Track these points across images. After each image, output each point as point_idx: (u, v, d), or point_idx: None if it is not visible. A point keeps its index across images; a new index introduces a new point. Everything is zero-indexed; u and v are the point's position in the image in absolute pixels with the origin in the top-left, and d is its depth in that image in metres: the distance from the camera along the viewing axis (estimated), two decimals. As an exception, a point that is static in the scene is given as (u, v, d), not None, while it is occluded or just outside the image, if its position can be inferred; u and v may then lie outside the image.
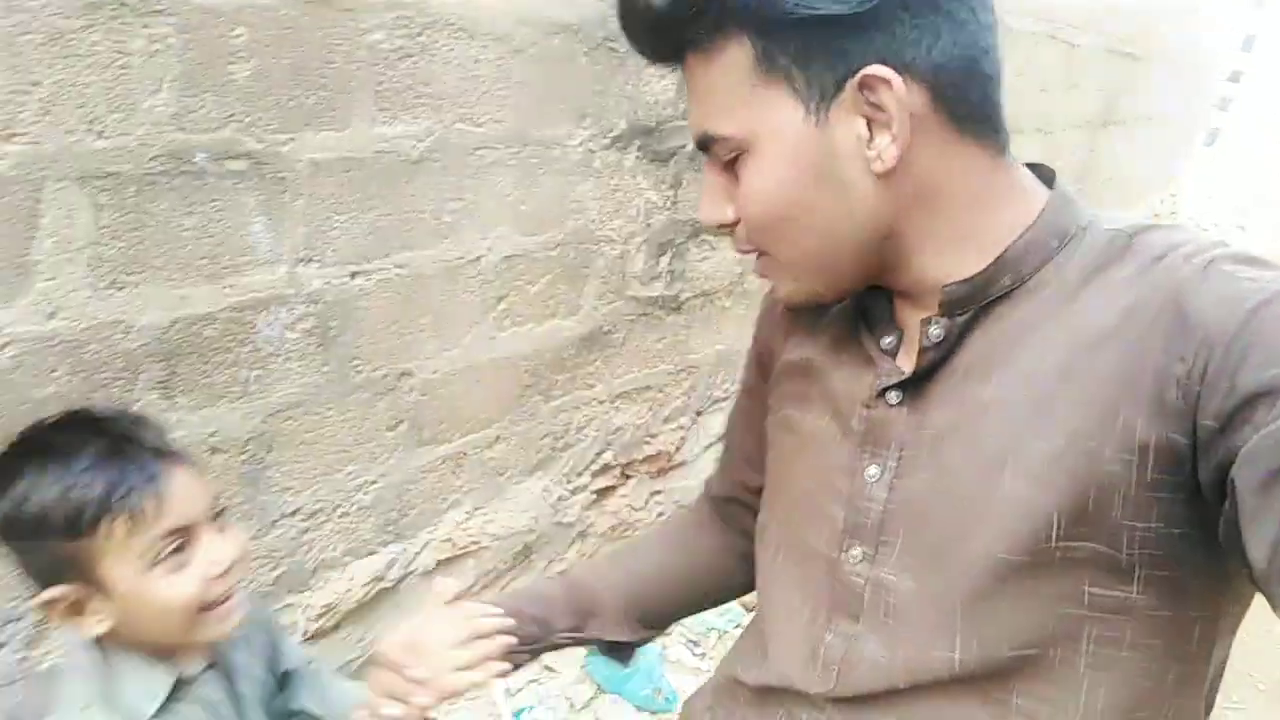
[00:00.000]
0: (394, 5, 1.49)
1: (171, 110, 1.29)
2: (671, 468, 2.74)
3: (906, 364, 0.76)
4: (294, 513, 1.73)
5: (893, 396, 0.76)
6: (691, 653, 2.57)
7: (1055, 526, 0.66)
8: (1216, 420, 0.59)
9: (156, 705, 0.90)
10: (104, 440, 0.87)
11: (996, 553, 0.69)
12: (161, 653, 0.92)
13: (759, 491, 0.95)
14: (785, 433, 0.89)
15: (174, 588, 0.87)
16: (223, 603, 0.91)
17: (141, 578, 0.86)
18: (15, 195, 1.18)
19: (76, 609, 0.87)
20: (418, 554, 2.02)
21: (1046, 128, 4.40)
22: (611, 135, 2.00)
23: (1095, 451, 0.65)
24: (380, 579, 1.93)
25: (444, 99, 1.63)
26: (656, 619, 1.02)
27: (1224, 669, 0.76)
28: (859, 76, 0.65)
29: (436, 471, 1.99)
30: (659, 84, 2.05)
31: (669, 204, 2.24)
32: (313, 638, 1.85)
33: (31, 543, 0.86)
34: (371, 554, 1.92)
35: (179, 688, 0.93)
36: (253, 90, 1.36)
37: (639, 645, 1.02)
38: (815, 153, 0.69)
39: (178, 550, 0.88)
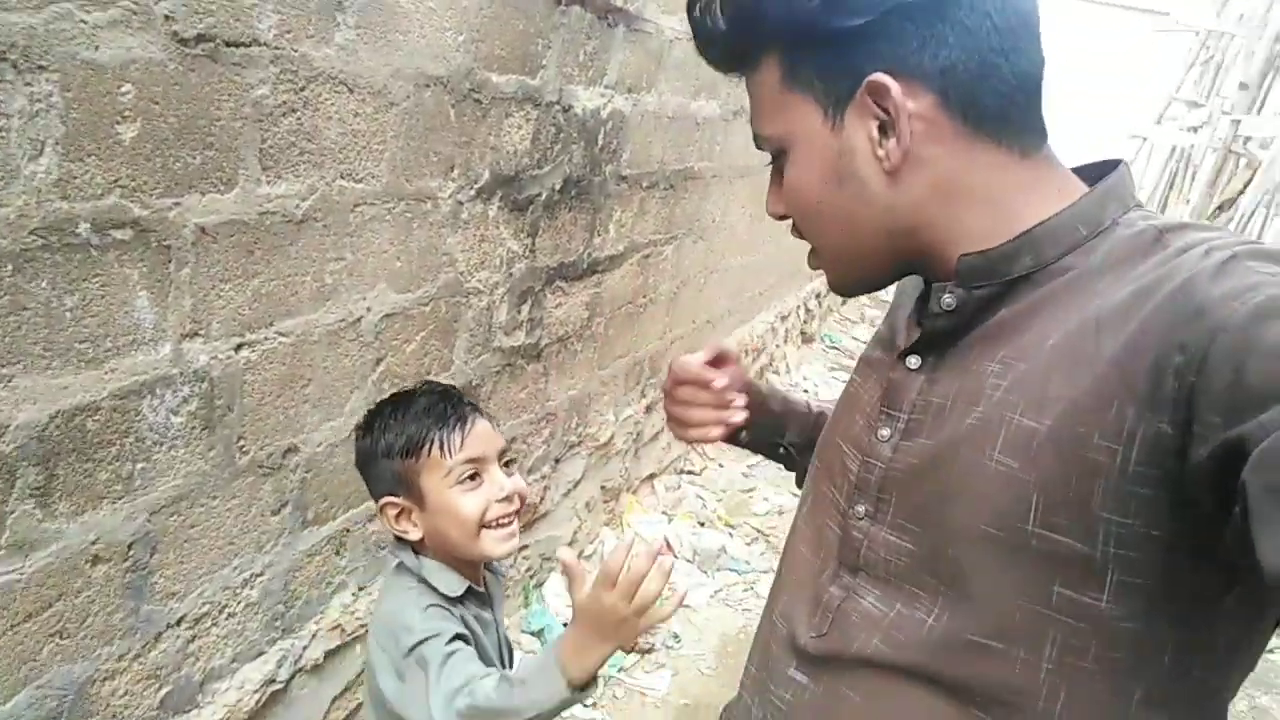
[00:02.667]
0: (278, 59, 1.40)
1: (54, 177, 1.13)
2: (537, 519, 2.69)
3: (925, 330, 0.79)
4: (179, 621, 1.54)
5: (912, 361, 0.80)
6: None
7: (1034, 507, 0.66)
8: (1219, 414, 0.57)
9: (460, 592, 1.20)
10: (434, 395, 1.24)
11: (978, 523, 0.70)
12: (455, 566, 1.22)
13: None
14: (841, 399, 0.93)
15: (467, 501, 1.17)
16: (502, 525, 1.20)
17: (446, 491, 1.17)
18: (-125, 283, 1.00)
19: (404, 516, 1.21)
20: (305, 648, 1.85)
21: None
22: (477, 186, 1.97)
23: (1083, 437, 0.64)
24: (272, 681, 1.75)
25: (325, 155, 1.54)
26: None
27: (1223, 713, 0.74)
28: (866, 84, 0.71)
29: (321, 554, 1.84)
30: (517, 134, 2.05)
31: (528, 252, 2.23)
32: (200, 760, 1.64)
33: (381, 464, 1.21)
34: (260, 655, 1.74)
35: (467, 594, 1.22)
36: (139, 152, 1.23)
37: None
38: (834, 152, 0.75)
39: (473, 476, 1.19)
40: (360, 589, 1.99)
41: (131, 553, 1.41)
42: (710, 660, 2.77)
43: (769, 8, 0.74)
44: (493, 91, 1.93)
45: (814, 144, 0.76)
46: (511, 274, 2.19)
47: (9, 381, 1.16)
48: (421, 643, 1.13)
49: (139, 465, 1.37)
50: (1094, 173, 0.78)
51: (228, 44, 1.30)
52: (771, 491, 3.82)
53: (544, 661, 1.09)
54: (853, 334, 6.74)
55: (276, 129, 1.44)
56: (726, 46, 0.80)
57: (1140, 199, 0.77)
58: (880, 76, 0.70)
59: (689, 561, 3.21)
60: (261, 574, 1.69)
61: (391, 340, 1.86)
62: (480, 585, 1.29)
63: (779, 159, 0.81)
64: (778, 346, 5.03)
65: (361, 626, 1.97)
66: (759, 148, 0.83)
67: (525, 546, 2.70)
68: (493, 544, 1.20)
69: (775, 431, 1.13)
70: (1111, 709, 0.69)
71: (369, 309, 1.76)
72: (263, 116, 1.40)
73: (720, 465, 4.02)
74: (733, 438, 1.12)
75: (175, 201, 1.30)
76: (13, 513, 1.21)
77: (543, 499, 2.69)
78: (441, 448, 1.18)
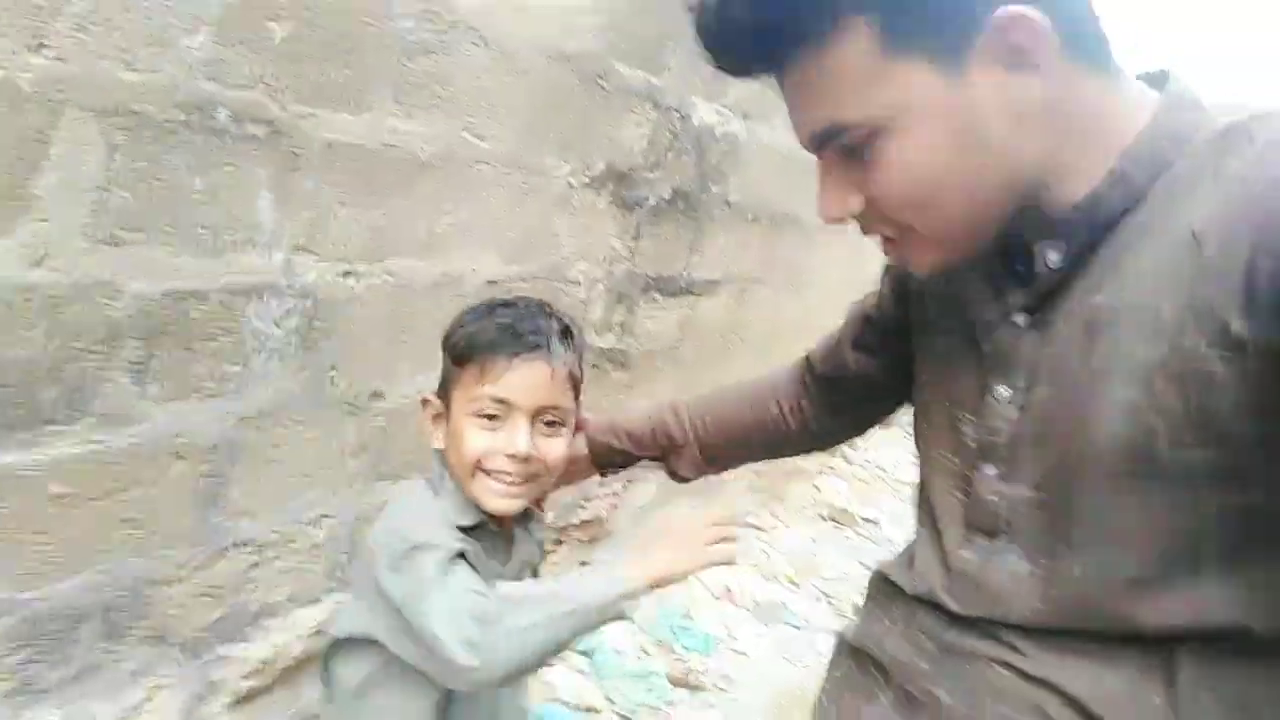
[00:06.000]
0: (425, -5, 1.45)
1: (204, 56, 1.18)
2: (604, 535, 2.63)
3: (1033, 289, 0.76)
4: (245, 543, 1.53)
5: (1020, 319, 0.76)
6: (625, 733, 2.41)
7: (1163, 433, 0.65)
8: None
9: (469, 522, 1.04)
10: (526, 312, 1.06)
11: (1110, 462, 0.68)
12: (470, 497, 1.05)
13: (857, 376, 1.05)
14: (927, 359, 0.90)
15: (469, 437, 1.02)
16: (500, 480, 1.02)
17: (461, 416, 1.03)
18: (30, 115, 1.04)
19: (437, 420, 1.08)
20: (359, 606, 1.82)
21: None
22: (590, 174, 1.99)
23: (1195, 351, 0.63)
24: (321, 632, 1.72)
25: (456, 104, 1.58)
26: (723, 463, 1.19)
27: None
28: (995, 21, 0.63)
29: (389, 512, 1.82)
30: (635, 130, 2.08)
31: (630, 254, 2.23)
32: (243, 699, 1.61)
33: (443, 355, 1.08)
34: (315, 601, 1.71)
35: (479, 531, 1.05)
36: (286, 54, 1.27)
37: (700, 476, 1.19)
38: (959, 116, 0.66)
39: (494, 416, 1.02)
40: (421, 560, 1.95)
41: (212, 457, 1.41)
42: (760, 714, 2.63)
43: None
44: (618, 82, 1.96)
45: (930, 113, 0.66)
46: (611, 272, 2.19)
47: (132, 247, 1.19)
48: (418, 548, 0.98)
49: (235, 368, 1.39)
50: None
51: (384, -33, 1.36)
52: (839, 557, 3.68)
53: (594, 567, 1.08)
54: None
55: (414, 65, 1.48)
56: (785, 29, 0.67)
57: None
58: (1017, 8, 0.62)
59: (748, 611, 3.09)
60: (330, 515, 1.67)
61: (488, 309, 1.86)
62: (496, 526, 1.09)
63: (858, 146, 0.70)
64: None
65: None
66: (823, 144, 0.71)
67: (586, 563, 2.64)
68: (483, 490, 1.04)
69: (631, 460, 1.19)
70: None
71: (474, 270, 1.77)
72: (402, 50, 1.45)
73: (787, 526, 3.90)
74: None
75: (311, 112, 1.34)
76: (110, 382, 1.23)
77: (610, 517, 2.63)
78: (481, 371, 1.01)
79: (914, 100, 0.66)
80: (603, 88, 1.93)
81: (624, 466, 1.19)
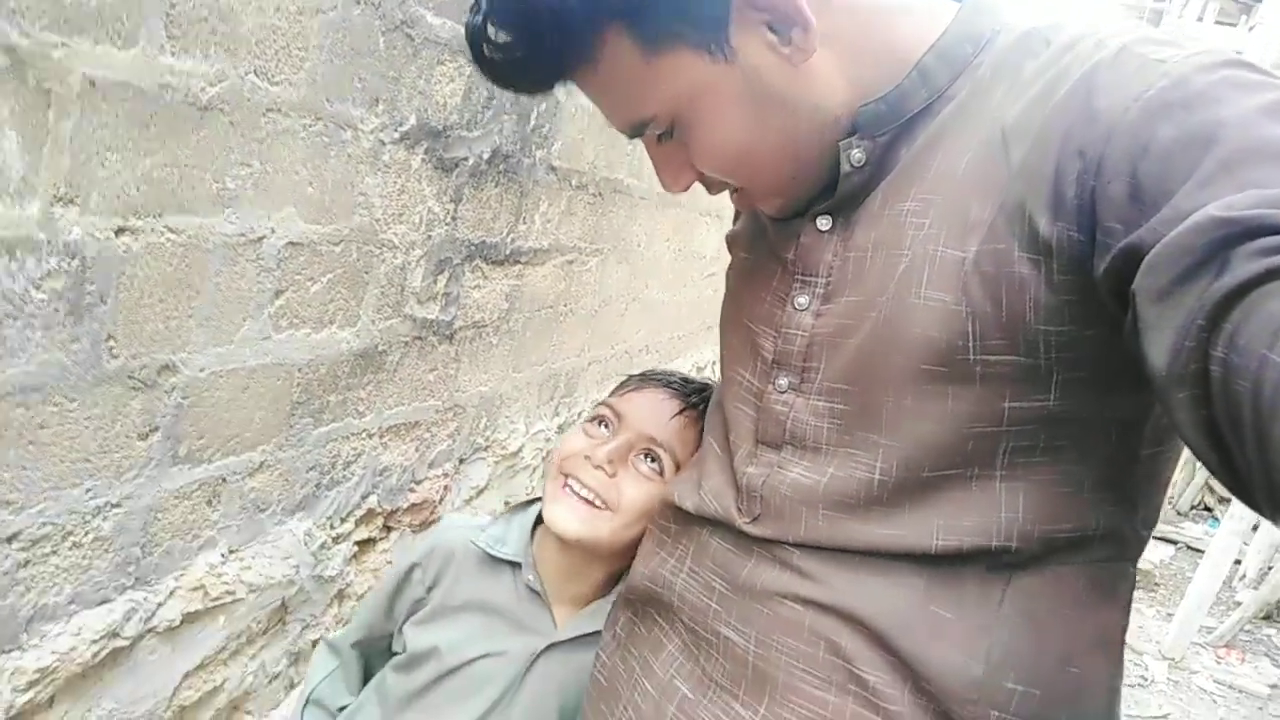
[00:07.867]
0: (198, -83, 1.31)
1: (-81, -37, 1.01)
2: (433, 520, 2.52)
3: (838, 191, 0.77)
4: (12, 537, 1.34)
5: (822, 223, 0.76)
6: None
7: (972, 336, 0.65)
8: (1120, 221, 0.56)
9: (502, 554, 1.06)
10: (694, 382, 1.07)
11: (917, 364, 0.68)
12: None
13: None
14: (731, 283, 0.90)
15: (569, 435, 1.04)
16: (570, 486, 0.99)
17: (585, 419, 1.07)
18: None
19: None
20: (160, 605, 1.65)
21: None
22: (401, 130, 1.88)
23: (1005, 253, 0.64)
24: (115, 634, 1.55)
25: (239, 43, 1.44)
26: None
27: (1159, 499, 0.75)
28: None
29: (191, 499, 1.66)
30: (448, 86, 1.98)
31: (449, 218, 2.13)
32: (17, 716, 1.42)
33: None
34: (105, 602, 1.54)
35: (516, 574, 1.06)
36: (25, -33, 1.11)
37: None
38: (740, 85, 0.69)
39: (604, 423, 1.04)
40: (231, 551, 1.80)
41: (-37, 440, 1.23)
42: None
43: None
44: (425, 31, 1.86)
45: (713, 91, 0.69)
46: (430, 237, 2.08)
47: None
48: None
49: (-16, 336, 1.21)
50: None
51: (142, -122, 1.21)
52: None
53: None
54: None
55: (187, -4, 1.33)
56: (550, 60, 0.69)
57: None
58: None
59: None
60: (119, 505, 1.50)
61: (295, 274, 1.72)
62: (538, 587, 1.05)
63: (669, 132, 0.74)
64: (695, 399, 4.98)
65: (227, 593, 1.78)
66: (636, 135, 0.76)
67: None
68: (550, 493, 1.00)
69: None
70: (1068, 499, 0.68)
71: (273, 230, 1.63)
72: (174, -23, 1.30)
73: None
74: None
75: (63, 41, 1.18)
76: None
77: (442, 499, 2.52)
78: (620, 387, 1.07)
79: (693, 87, 0.69)
80: (410, 36, 1.82)
81: None
